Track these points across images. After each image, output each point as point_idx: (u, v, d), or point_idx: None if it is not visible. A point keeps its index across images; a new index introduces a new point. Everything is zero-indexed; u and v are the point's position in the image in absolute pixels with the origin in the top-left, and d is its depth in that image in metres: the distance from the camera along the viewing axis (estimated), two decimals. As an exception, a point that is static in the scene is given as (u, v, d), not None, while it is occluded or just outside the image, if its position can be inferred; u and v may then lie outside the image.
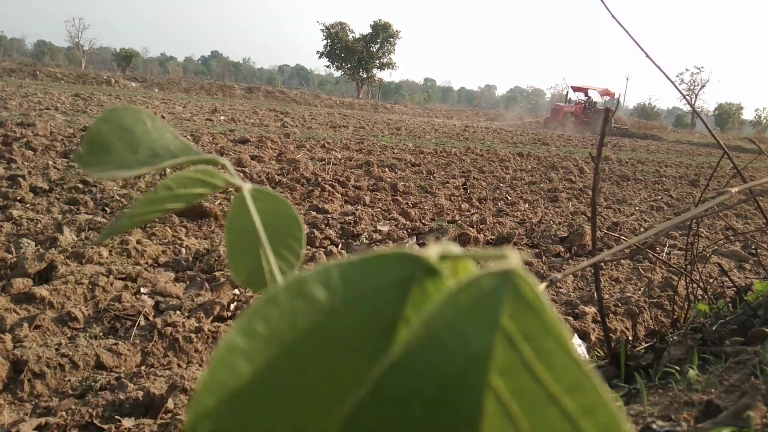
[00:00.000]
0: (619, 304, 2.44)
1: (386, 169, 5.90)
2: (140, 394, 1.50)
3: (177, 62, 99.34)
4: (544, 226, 3.98)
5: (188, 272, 2.46)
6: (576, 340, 2.08)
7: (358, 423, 0.14)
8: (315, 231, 3.18)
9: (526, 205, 4.85)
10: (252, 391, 0.17)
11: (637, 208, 5.37)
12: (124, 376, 1.62)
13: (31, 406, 1.47)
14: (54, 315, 1.90)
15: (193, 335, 1.82)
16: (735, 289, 1.97)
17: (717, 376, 1.23)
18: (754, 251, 3.51)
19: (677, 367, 1.37)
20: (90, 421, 1.39)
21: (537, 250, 3.41)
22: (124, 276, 2.28)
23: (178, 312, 2.03)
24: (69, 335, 1.83)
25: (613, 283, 2.93)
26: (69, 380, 1.58)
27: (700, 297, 2.22)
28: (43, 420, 1.37)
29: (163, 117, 9.19)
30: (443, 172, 6.26)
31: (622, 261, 3.21)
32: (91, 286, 2.11)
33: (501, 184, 5.85)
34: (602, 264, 3.07)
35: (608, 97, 27.70)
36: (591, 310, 2.39)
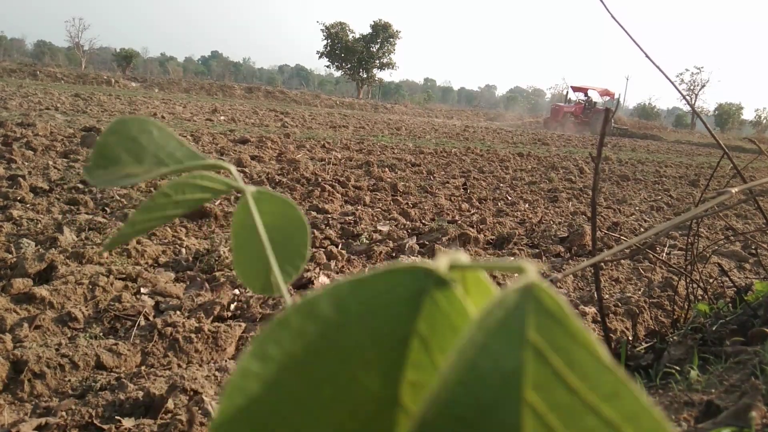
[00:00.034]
0: (619, 304, 2.44)
1: (386, 169, 5.90)
2: (140, 394, 1.50)
3: (177, 62, 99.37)
4: (544, 226, 3.98)
5: (188, 272, 2.46)
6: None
7: None
8: (315, 231, 3.18)
9: (526, 205, 4.85)
10: (268, 414, 0.17)
11: (637, 208, 5.37)
12: (124, 376, 1.62)
13: (31, 406, 1.47)
14: (54, 315, 1.90)
15: (193, 335, 1.82)
16: (735, 289, 1.97)
17: (717, 376, 1.23)
18: (754, 251, 3.51)
19: (677, 368, 1.37)
20: (90, 422, 1.39)
21: (537, 250, 3.41)
22: (124, 276, 2.28)
23: (178, 312, 2.03)
24: (69, 335, 1.83)
25: (613, 283, 2.93)
26: (69, 380, 1.58)
27: (700, 297, 2.22)
28: (43, 420, 1.37)
29: (163, 117, 9.19)
30: (443, 172, 6.26)
31: (622, 261, 3.21)
32: (91, 286, 2.11)
33: (501, 184, 5.85)
34: (602, 264, 3.07)
35: (608, 98, 27.71)
36: (591, 310, 2.39)
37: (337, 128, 10.96)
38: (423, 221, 3.83)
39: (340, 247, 3.06)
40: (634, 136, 25.27)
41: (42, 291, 1.99)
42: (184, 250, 2.69)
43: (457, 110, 36.91)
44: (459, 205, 4.48)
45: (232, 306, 2.16)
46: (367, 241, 3.21)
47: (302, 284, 2.43)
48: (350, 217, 3.63)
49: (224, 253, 2.64)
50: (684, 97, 1.42)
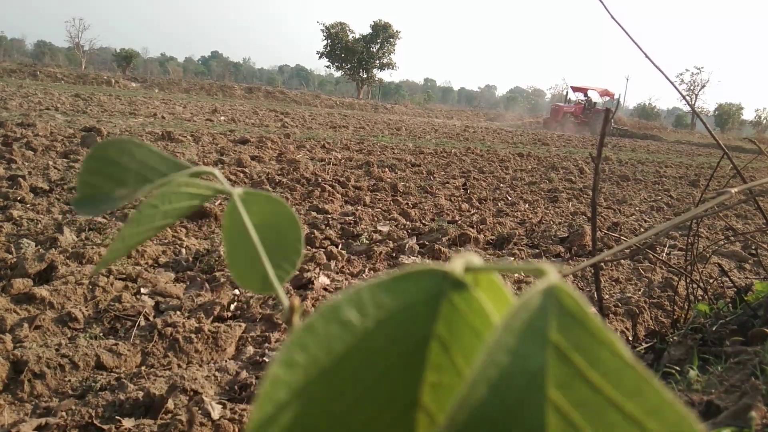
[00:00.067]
0: (619, 305, 2.44)
1: (386, 170, 5.90)
2: (140, 394, 1.50)
3: (177, 62, 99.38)
4: (544, 227, 3.98)
5: (188, 272, 2.47)
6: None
7: None
8: (315, 231, 3.18)
9: (526, 206, 4.85)
10: (297, 420, 0.18)
11: (637, 208, 5.37)
12: (124, 376, 1.62)
13: (31, 406, 1.47)
14: (54, 315, 1.90)
15: (193, 335, 1.82)
16: (735, 289, 1.97)
17: (717, 376, 1.23)
18: (754, 251, 3.51)
19: (677, 368, 1.37)
20: (90, 422, 1.39)
21: (537, 251, 3.41)
22: (124, 276, 2.28)
23: (178, 312, 2.03)
24: (69, 335, 1.83)
25: (613, 283, 2.93)
26: (69, 380, 1.58)
27: (700, 297, 2.22)
28: (43, 420, 1.37)
29: (163, 117, 9.19)
30: (443, 173, 6.26)
31: (622, 261, 3.21)
32: (91, 287, 2.11)
33: (501, 185, 5.85)
34: (602, 264, 3.07)
35: (608, 98, 27.72)
36: (591, 310, 2.38)
37: (337, 128, 10.96)
38: (423, 221, 3.83)
39: (340, 247, 3.06)
40: (634, 136, 25.27)
41: (42, 291, 1.99)
42: (184, 251, 2.69)
43: (457, 110, 36.92)
44: (459, 206, 4.48)
45: (232, 306, 2.16)
46: (367, 242, 3.21)
47: (302, 284, 2.43)
48: (350, 218, 3.63)
49: (224, 253, 2.64)
50: (684, 97, 1.42)
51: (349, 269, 2.71)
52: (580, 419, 0.15)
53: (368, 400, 0.18)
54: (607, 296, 2.68)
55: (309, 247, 2.97)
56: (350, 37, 37.94)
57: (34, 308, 1.93)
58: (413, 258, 2.96)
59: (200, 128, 7.87)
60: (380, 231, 3.42)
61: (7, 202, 3.15)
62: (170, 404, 1.47)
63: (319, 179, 4.80)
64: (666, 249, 3.65)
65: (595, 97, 27.70)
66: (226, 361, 1.79)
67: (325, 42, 38.00)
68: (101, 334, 1.86)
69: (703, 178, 8.52)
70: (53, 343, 1.73)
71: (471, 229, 3.60)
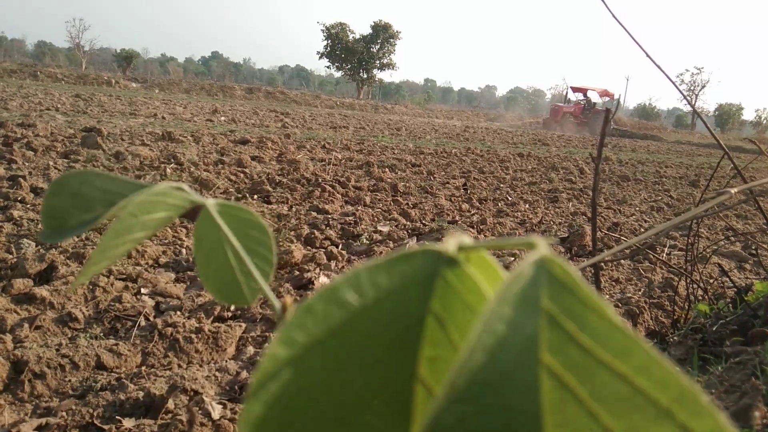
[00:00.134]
0: (620, 305, 2.44)
1: (386, 170, 5.90)
2: (141, 394, 1.50)
3: (177, 63, 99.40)
4: (544, 227, 3.98)
5: (188, 273, 2.47)
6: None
7: (438, 423, 0.15)
8: (315, 231, 3.18)
9: (527, 206, 4.85)
10: (296, 394, 0.18)
11: (637, 208, 5.37)
12: (125, 376, 1.62)
13: (31, 406, 1.47)
14: (54, 315, 1.90)
15: (193, 336, 1.82)
16: (735, 289, 1.97)
17: (717, 376, 1.23)
18: (754, 251, 3.51)
19: (677, 368, 1.37)
20: (90, 422, 1.39)
21: (537, 251, 3.41)
22: (124, 276, 2.28)
23: (178, 312, 2.04)
24: (69, 336, 1.83)
25: (614, 283, 2.93)
26: (69, 380, 1.58)
27: (700, 297, 2.22)
28: (43, 420, 1.37)
29: (163, 118, 9.20)
30: (443, 173, 6.26)
31: (623, 261, 3.21)
32: (91, 287, 2.11)
33: (501, 185, 5.85)
34: (602, 264, 3.07)
35: (607, 98, 27.73)
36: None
37: (337, 129, 10.97)
38: (423, 222, 3.83)
39: (340, 247, 3.06)
40: (634, 136, 25.27)
41: (42, 291, 1.99)
42: (184, 251, 2.69)
43: (457, 111, 36.91)
44: (459, 206, 4.48)
45: (233, 306, 2.16)
46: (368, 242, 3.21)
47: (303, 284, 2.44)
48: (350, 218, 3.63)
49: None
50: (684, 97, 1.42)
51: (349, 269, 2.71)
52: (572, 380, 0.15)
53: (369, 376, 0.19)
54: (607, 296, 2.68)
55: (309, 247, 2.97)
56: (350, 37, 37.95)
57: (34, 308, 1.93)
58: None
59: (200, 128, 7.87)
60: (380, 231, 3.42)
61: (7, 202, 3.15)
62: (170, 404, 1.47)
63: (320, 179, 4.80)
64: (666, 249, 3.65)
65: (594, 97, 27.71)
66: (226, 361, 1.79)
67: (325, 42, 38.02)
68: (101, 334, 1.86)
69: (703, 178, 8.52)
70: (53, 343, 1.73)
71: (471, 229, 3.61)
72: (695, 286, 2.11)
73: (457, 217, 4.05)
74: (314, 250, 2.91)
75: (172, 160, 4.98)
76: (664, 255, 3.50)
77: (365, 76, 38.18)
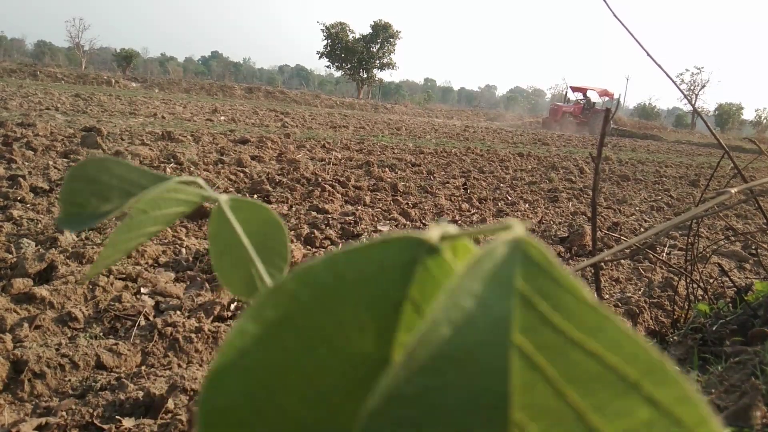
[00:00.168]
0: (620, 304, 2.44)
1: (386, 169, 5.90)
2: (140, 394, 1.50)
3: (177, 62, 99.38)
4: (544, 227, 3.98)
5: (188, 272, 2.47)
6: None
7: (397, 393, 0.15)
8: (315, 231, 3.18)
9: (527, 206, 4.85)
10: (264, 369, 0.18)
11: (637, 208, 5.37)
12: (125, 376, 1.62)
13: (31, 406, 1.47)
14: (54, 315, 1.90)
15: (193, 335, 1.82)
16: (735, 289, 1.97)
17: (717, 376, 1.23)
18: (754, 251, 3.51)
19: (677, 368, 1.37)
20: (90, 421, 1.39)
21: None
22: (124, 276, 2.28)
23: (178, 312, 2.04)
24: (69, 335, 1.83)
25: (614, 283, 2.93)
26: (69, 380, 1.58)
27: (700, 297, 2.22)
28: (43, 420, 1.37)
29: (163, 117, 9.19)
30: (443, 172, 6.26)
31: (623, 261, 3.21)
32: (91, 287, 2.11)
33: (501, 185, 5.85)
34: (602, 264, 3.07)
35: (607, 98, 27.74)
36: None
37: (337, 128, 10.96)
38: (423, 221, 3.83)
39: (340, 247, 3.06)
40: (634, 136, 25.26)
41: (42, 291, 1.99)
42: (184, 250, 2.69)
43: (457, 110, 36.91)
44: (459, 205, 4.48)
45: (232, 306, 2.16)
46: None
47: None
48: (350, 217, 3.63)
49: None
50: (685, 96, 1.42)
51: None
52: (543, 360, 0.15)
53: (340, 357, 0.18)
54: (607, 296, 2.68)
55: (309, 247, 2.97)
56: (350, 37, 37.93)
57: (34, 308, 1.93)
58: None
59: (200, 128, 7.86)
60: (380, 231, 3.42)
61: (7, 201, 3.15)
62: (170, 404, 1.47)
63: (320, 179, 4.80)
64: (666, 249, 3.65)
65: (594, 97, 27.71)
66: (226, 360, 1.79)
67: (325, 42, 38.00)
68: (101, 333, 1.86)
69: (703, 177, 8.52)
70: (53, 343, 1.73)
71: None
72: (695, 285, 2.11)
73: (457, 217, 4.05)
74: (314, 249, 2.91)
75: (172, 160, 4.98)
76: (664, 255, 3.50)
77: (365, 75, 38.17)
